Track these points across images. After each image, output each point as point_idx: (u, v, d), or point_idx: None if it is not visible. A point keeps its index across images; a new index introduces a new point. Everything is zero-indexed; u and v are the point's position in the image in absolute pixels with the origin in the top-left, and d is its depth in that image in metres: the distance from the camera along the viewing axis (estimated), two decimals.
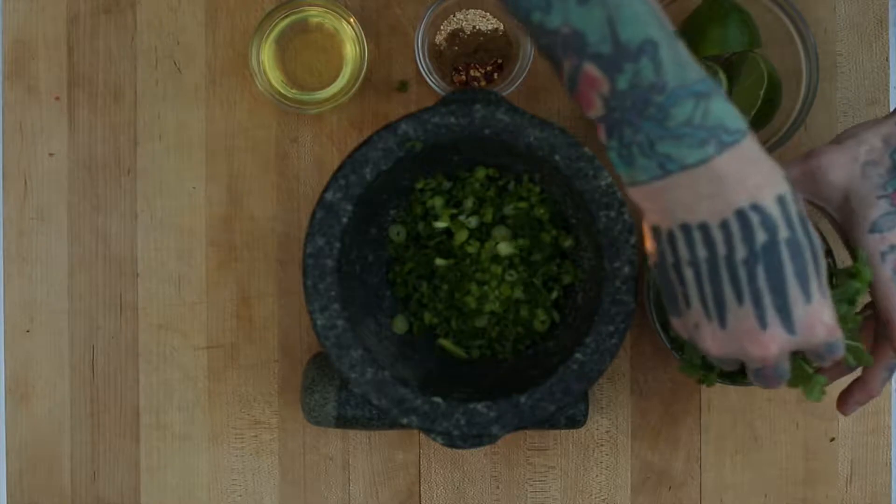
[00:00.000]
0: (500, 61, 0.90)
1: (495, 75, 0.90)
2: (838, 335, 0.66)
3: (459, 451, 0.92)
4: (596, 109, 0.61)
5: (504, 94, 0.87)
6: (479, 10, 0.90)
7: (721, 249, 0.62)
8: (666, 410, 0.92)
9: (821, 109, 0.92)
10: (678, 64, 0.60)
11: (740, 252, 0.62)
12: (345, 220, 0.78)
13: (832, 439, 0.92)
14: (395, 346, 0.85)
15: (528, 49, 0.88)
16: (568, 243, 0.85)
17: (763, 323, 0.63)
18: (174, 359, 0.92)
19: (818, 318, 0.64)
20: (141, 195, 0.92)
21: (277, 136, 0.92)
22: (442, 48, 0.91)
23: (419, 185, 0.86)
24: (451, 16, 0.90)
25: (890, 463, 0.92)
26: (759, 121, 0.87)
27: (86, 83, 0.93)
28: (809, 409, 0.92)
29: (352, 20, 0.89)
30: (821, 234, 0.76)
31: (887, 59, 0.92)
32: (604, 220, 0.78)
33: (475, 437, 0.78)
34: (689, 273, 0.64)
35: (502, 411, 0.77)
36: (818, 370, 0.72)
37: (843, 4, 0.92)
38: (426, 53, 0.89)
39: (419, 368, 0.84)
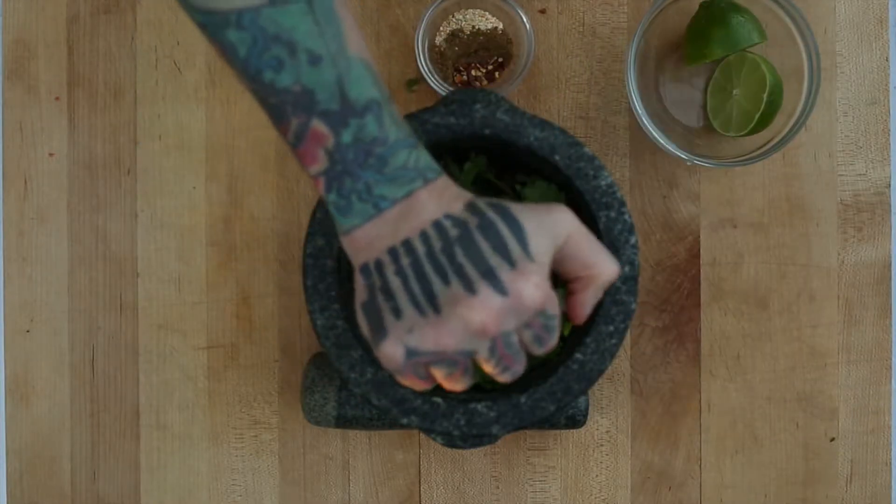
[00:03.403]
0: (500, 59, 0.90)
1: (497, 74, 0.90)
2: (554, 303, 0.66)
3: (459, 451, 0.92)
4: (319, 164, 0.65)
5: (505, 92, 0.87)
6: (478, 10, 0.90)
7: (421, 249, 0.65)
8: (666, 410, 0.92)
9: (821, 109, 0.92)
10: (395, 122, 0.65)
11: (437, 244, 0.65)
12: None
13: (832, 439, 0.92)
14: None
15: (528, 46, 0.88)
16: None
17: (472, 289, 0.64)
18: (174, 359, 0.92)
19: (527, 279, 0.65)
20: (141, 195, 0.92)
21: (277, 136, 0.92)
22: (443, 49, 0.91)
23: None
24: (451, 16, 0.90)
25: (890, 463, 0.92)
26: (761, 122, 0.87)
27: (86, 83, 0.92)
28: (809, 408, 0.92)
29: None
30: None
31: (887, 59, 0.92)
32: (604, 220, 0.78)
33: (475, 437, 0.78)
34: (396, 282, 0.66)
35: (502, 411, 0.77)
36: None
37: (843, 4, 0.92)
38: (427, 54, 0.89)
39: None
